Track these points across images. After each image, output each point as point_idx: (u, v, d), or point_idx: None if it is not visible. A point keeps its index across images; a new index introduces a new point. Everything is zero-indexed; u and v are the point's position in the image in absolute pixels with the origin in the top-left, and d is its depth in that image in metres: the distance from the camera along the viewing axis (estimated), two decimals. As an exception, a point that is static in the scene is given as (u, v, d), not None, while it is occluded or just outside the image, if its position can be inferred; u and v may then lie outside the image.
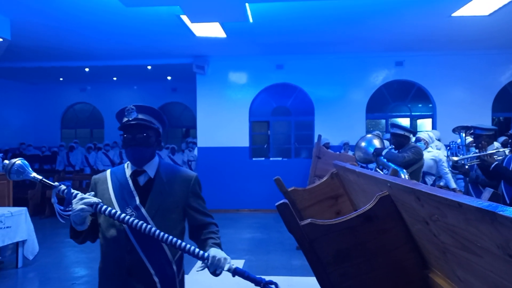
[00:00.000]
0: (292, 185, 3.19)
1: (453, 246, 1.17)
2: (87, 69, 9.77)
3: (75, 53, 8.29)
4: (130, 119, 1.76)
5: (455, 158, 4.24)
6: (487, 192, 1.04)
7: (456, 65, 8.44)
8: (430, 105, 8.87)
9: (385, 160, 4.13)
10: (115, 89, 12.42)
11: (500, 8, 5.58)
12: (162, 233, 1.63)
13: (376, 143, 4.50)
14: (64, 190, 1.67)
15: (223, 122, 8.87)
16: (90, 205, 1.64)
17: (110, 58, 8.79)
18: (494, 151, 3.89)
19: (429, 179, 5.48)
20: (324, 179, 2.97)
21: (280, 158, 9.08)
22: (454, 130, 4.90)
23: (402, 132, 4.21)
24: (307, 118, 9.00)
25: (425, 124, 9.64)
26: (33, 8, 5.55)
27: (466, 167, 4.07)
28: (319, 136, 6.93)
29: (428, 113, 8.99)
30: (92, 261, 5.29)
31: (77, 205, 1.63)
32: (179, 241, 1.64)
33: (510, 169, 3.48)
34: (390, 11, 5.86)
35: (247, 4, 5.24)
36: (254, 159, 9.10)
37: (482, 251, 0.98)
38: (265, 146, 9.66)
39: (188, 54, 8.49)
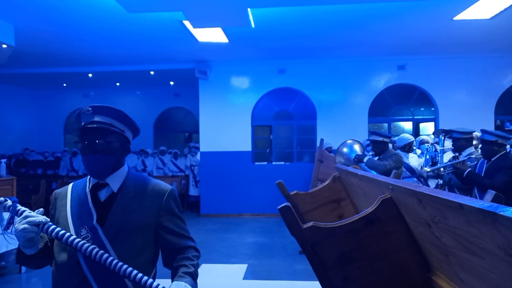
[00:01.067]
0: (294, 189, 3.19)
1: (455, 248, 1.17)
2: (90, 75, 9.83)
3: (78, 59, 8.35)
4: (86, 122, 1.50)
5: (427, 169, 4.36)
6: (489, 194, 1.04)
7: (458, 69, 8.44)
8: (433, 109, 8.86)
9: (366, 167, 4.20)
10: (118, 94, 12.48)
11: (501, 12, 5.58)
12: (115, 261, 1.33)
13: (357, 148, 4.56)
14: (9, 206, 1.41)
15: (225, 127, 8.88)
16: (35, 224, 1.36)
17: (113, 63, 8.85)
18: (466, 157, 3.97)
19: (432, 183, 5.47)
20: (326, 182, 2.97)
21: (282, 162, 9.08)
22: (434, 133, 5.00)
23: (381, 139, 4.31)
24: (309, 122, 9.01)
25: (427, 128, 9.63)
26: (37, 14, 5.60)
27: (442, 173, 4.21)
28: (322, 140, 6.93)
29: (430, 117, 8.98)
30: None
31: (19, 224, 1.35)
32: (134, 272, 1.32)
33: (482, 174, 3.62)
34: (392, 15, 5.87)
35: (249, 9, 5.27)
36: (256, 163, 9.11)
37: (483, 253, 0.98)
38: (267, 151, 9.67)
39: (190, 59, 8.53)
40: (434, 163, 4.60)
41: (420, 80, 8.61)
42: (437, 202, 1.12)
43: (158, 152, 10.53)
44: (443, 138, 4.80)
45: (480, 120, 8.01)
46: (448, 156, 4.64)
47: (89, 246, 1.35)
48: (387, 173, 4.02)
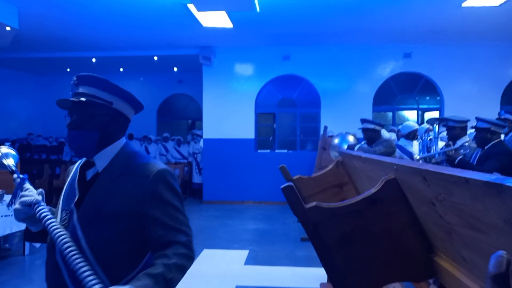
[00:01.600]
0: (297, 175, 3.18)
1: (458, 226, 1.16)
2: (94, 60, 9.80)
3: (82, 44, 8.31)
4: (71, 94, 1.36)
5: (418, 158, 4.37)
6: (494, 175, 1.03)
7: (465, 57, 8.34)
8: (438, 98, 8.78)
9: None
10: (122, 80, 12.43)
11: (511, -2, 5.49)
12: (71, 252, 1.15)
13: (351, 139, 4.53)
14: (18, 183, 1.37)
15: (229, 114, 8.86)
16: (27, 204, 1.28)
17: (117, 48, 8.81)
18: (460, 145, 3.95)
19: None
20: (329, 167, 2.96)
21: (285, 150, 9.07)
22: (428, 122, 4.99)
23: (372, 126, 4.29)
24: (313, 110, 8.97)
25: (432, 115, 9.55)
26: (40, -3, 5.57)
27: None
28: (325, 127, 6.89)
29: (435, 106, 8.92)
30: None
31: (15, 204, 1.31)
32: (82, 269, 1.11)
33: (476, 163, 3.61)
34: (399, 1, 5.79)
35: (254, -7, 5.21)
36: (259, 151, 9.10)
37: (488, 228, 0.97)
38: (270, 138, 9.66)
39: (194, 45, 8.47)
40: (429, 152, 4.58)
41: (426, 68, 8.52)
42: (442, 179, 1.11)
43: (161, 138, 10.54)
44: (437, 127, 4.81)
45: (485, 110, 7.91)
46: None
47: (58, 231, 1.19)
48: None
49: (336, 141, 4.67)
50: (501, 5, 5.78)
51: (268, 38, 7.92)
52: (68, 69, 11.63)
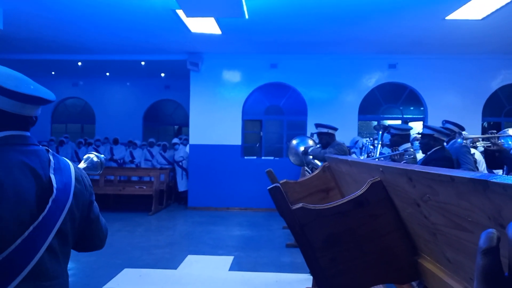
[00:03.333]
0: (283, 179, 3.18)
1: (443, 226, 1.18)
2: (80, 63, 9.69)
3: (68, 46, 8.21)
4: None
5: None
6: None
7: (448, 69, 8.54)
8: (422, 108, 8.95)
9: (311, 157, 4.28)
10: (108, 84, 12.32)
11: (493, 12, 5.66)
12: None
13: (310, 142, 4.64)
14: None
15: (216, 120, 8.84)
16: None
17: (104, 52, 8.73)
18: (404, 150, 4.10)
19: None
20: (316, 172, 2.97)
21: (271, 157, 9.08)
22: (374, 128, 5.22)
23: (325, 130, 4.42)
24: (299, 118, 9.02)
25: (416, 127, 9.71)
26: (26, -3, 5.49)
27: None
28: (312, 135, 6.94)
29: (419, 116, 9.07)
30: (78, 254, 5.19)
31: None
32: None
33: None
34: (385, 13, 5.90)
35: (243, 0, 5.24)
36: (246, 157, 9.09)
37: (473, 226, 0.98)
38: (257, 145, 9.66)
39: (182, 50, 8.46)
40: (369, 157, 4.80)
41: (410, 79, 8.69)
42: (428, 178, 1.12)
43: (147, 144, 10.45)
44: (381, 133, 5.04)
45: (468, 121, 8.09)
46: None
47: None
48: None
49: (294, 142, 4.74)
50: (483, 18, 5.95)
51: (256, 45, 7.97)
52: (53, 72, 11.46)
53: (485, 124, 9.34)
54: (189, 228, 6.96)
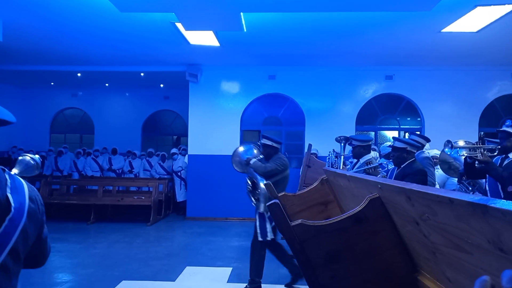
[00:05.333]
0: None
1: (443, 245, 1.18)
2: (79, 74, 9.71)
3: (67, 58, 8.24)
4: None
5: None
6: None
7: (445, 81, 8.60)
8: (419, 119, 8.99)
9: (251, 169, 4.31)
10: (107, 95, 12.35)
11: (488, 25, 5.72)
12: None
13: (255, 151, 4.65)
14: None
15: (214, 131, 8.86)
16: None
17: (103, 63, 8.76)
18: (379, 164, 4.19)
19: None
20: (314, 185, 2.97)
21: (270, 168, 9.06)
22: (336, 140, 5.35)
23: (270, 143, 4.44)
24: (297, 129, 9.05)
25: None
26: (26, 10, 5.52)
27: None
28: (310, 145, 6.95)
29: (416, 127, 9.11)
30: (76, 267, 5.19)
31: None
32: None
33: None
34: (381, 26, 5.96)
35: (242, 14, 5.29)
36: (244, 168, 9.07)
37: (472, 248, 0.99)
38: (255, 156, 9.65)
39: (181, 62, 8.50)
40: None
41: (407, 90, 8.75)
42: (426, 198, 1.13)
43: (146, 154, 10.44)
44: (343, 145, 5.13)
45: (465, 132, 8.16)
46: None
47: None
48: (268, 175, 4.20)
49: (240, 149, 4.74)
50: (478, 31, 6.02)
51: (254, 57, 8.02)
52: (52, 83, 11.48)
53: (482, 133, 9.38)
54: (187, 239, 6.92)
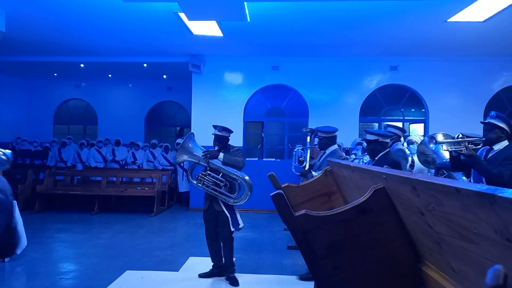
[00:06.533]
0: (285, 183, 3.17)
1: (448, 236, 1.17)
2: (82, 65, 9.70)
3: (70, 48, 8.22)
4: None
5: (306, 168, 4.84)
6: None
7: (450, 71, 8.52)
8: (423, 110, 8.93)
9: (217, 162, 4.38)
10: (110, 86, 12.34)
11: (495, 15, 5.64)
12: None
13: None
14: None
15: (217, 122, 8.75)
16: None
17: (106, 54, 8.73)
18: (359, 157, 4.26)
19: None
20: (318, 176, 2.96)
21: (273, 159, 9.07)
22: (303, 132, 5.45)
23: (226, 134, 4.69)
24: (301, 120, 9.01)
25: (417, 129, 9.70)
26: (29, 0, 5.49)
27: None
28: (313, 137, 6.92)
29: (421, 118, 9.05)
30: (81, 257, 5.24)
31: None
32: None
33: None
34: (386, 16, 5.89)
35: (245, 3, 5.24)
36: (247, 159, 9.07)
37: (479, 238, 0.97)
38: (258, 147, 9.65)
39: (184, 52, 8.46)
40: (300, 161, 5.19)
41: (411, 81, 8.67)
42: (432, 188, 1.12)
43: (149, 145, 10.45)
44: (309, 137, 5.18)
45: (470, 123, 8.08)
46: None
47: None
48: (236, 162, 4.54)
49: (191, 145, 4.76)
50: (485, 20, 5.93)
51: (258, 48, 7.96)
52: (56, 74, 11.48)
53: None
54: (190, 229, 6.95)
